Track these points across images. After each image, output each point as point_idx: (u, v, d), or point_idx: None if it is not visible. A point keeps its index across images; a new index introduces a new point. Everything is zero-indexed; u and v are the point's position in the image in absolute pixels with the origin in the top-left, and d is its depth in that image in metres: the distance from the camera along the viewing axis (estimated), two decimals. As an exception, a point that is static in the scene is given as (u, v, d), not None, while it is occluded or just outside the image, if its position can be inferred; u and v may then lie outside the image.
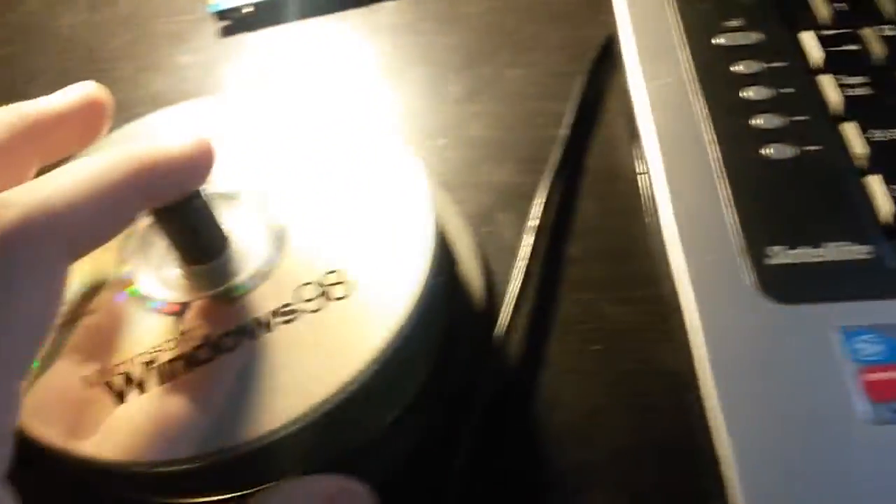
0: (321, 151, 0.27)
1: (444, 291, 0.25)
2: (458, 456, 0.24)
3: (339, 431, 0.22)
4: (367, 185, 0.25)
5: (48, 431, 0.20)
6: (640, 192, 0.31)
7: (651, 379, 0.26)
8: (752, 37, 0.30)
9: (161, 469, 0.20)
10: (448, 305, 0.26)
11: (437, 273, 0.23)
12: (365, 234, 0.24)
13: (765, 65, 0.29)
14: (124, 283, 0.24)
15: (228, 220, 0.24)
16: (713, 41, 0.30)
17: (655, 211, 0.26)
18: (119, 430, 0.20)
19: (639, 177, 0.31)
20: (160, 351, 0.22)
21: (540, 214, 0.30)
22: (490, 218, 0.32)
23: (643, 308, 0.28)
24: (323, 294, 0.22)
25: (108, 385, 0.21)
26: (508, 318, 0.27)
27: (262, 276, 0.23)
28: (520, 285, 0.28)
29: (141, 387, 0.21)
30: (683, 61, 0.30)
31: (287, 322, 0.22)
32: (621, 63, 0.33)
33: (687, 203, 0.26)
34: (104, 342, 0.22)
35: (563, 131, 0.34)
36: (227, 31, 0.41)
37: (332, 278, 0.23)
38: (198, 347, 0.22)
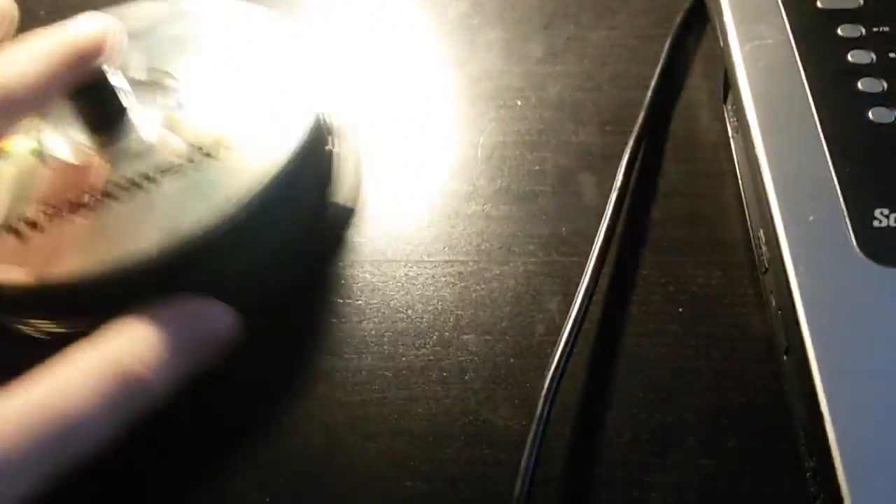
0: (233, 46, 0.30)
1: (312, 168, 0.29)
2: (542, 414, 0.24)
3: (205, 265, 0.25)
4: (264, 73, 0.29)
5: None
6: (732, 154, 0.30)
7: (736, 342, 0.26)
8: (856, 1, 0.29)
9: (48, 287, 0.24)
10: (315, 182, 0.30)
11: (306, 151, 0.27)
12: (249, 109, 0.28)
13: (869, 29, 0.28)
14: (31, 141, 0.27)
15: (132, 96, 0.28)
16: (817, 4, 0.29)
17: (756, 171, 0.25)
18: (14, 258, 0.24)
19: (731, 139, 0.30)
20: (54, 198, 0.26)
21: (623, 176, 0.30)
22: (572, 179, 0.31)
23: (727, 272, 0.27)
24: (205, 154, 0.26)
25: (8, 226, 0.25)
26: (591, 276, 0.27)
27: (154, 139, 0.27)
28: (601, 244, 0.28)
29: (34, 225, 0.25)
30: (784, 23, 0.29)
31: (170, 175, 0.26)
32: (711, 25, 0.32)
33: (790, 163, 0.25)
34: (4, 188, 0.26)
35: (649, 94, 0.33)
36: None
37: (213, 141, 0.27)
38: (88, 195, 0.25)
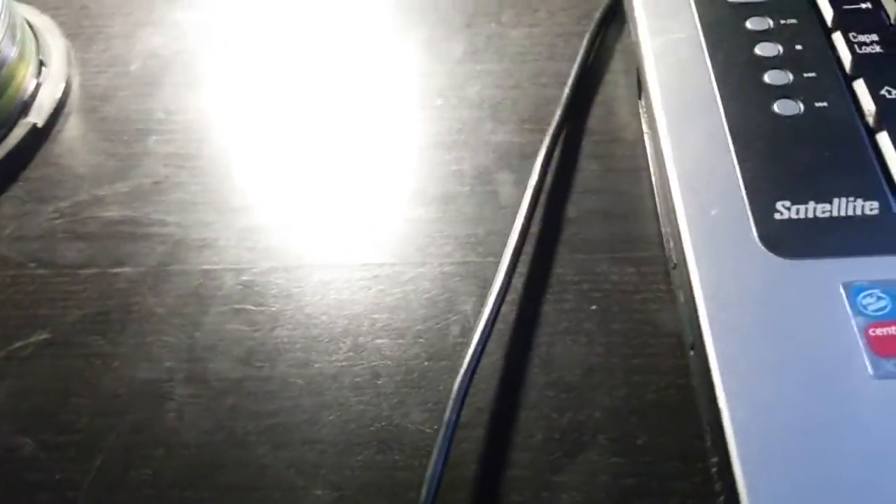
0: None
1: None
2: (450, 415, 0.23)
3: None
4: None
5: None
6: (646, 150, 0.30)
7: (647, 339, 0.26)
8: (763, -7, 0.29)
9: None
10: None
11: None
12: None
13: (777, 22, 0.28)
14: None
15: None
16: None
17: (661, 166, 0.25)
18: None
19: (645, 135, 0.30)
20: None
21: (539, 174, 0.30)
22: (489, 178, 0.31)
23: (642, 269, 0.27)
24: None
25: None
26: (504, 277, 0.26)
27: None
28: (516, 244, 0.27)
29: None
30: (694, 17, 0.29)
31: None
32: (628, 22, 0.32)
33: (694, 157, 0.25)
34: None
35: (566, 91, 0.33)
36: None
37: None
38: None
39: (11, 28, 0.35)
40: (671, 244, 0.25)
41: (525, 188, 0.29)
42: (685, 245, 0.23)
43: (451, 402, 0.23)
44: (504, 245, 0.28)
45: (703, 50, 0.28)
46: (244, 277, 0.29)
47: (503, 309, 0.26)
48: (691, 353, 0.23)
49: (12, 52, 0.35)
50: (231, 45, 0.37)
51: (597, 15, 0.36)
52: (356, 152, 0.32)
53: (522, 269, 0.28)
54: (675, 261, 0.25)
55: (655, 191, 0.29)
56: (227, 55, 0.37)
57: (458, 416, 0.23)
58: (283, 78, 0.36)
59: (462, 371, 0.24)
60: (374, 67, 0.36)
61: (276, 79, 0.36)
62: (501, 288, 0.26)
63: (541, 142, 0.31)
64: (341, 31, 0.38)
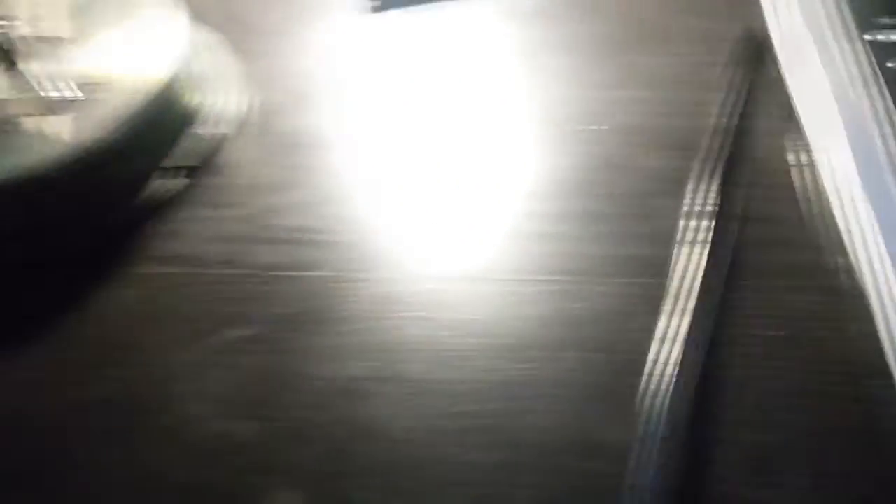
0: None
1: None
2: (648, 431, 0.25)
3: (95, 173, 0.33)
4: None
5: None
6: (798, 181, 0.32)
7: (831, 366, 0.28)
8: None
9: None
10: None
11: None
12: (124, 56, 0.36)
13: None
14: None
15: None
16: (867, 37, 0.31)
17: (821, 193, 0.27)
18: None
19: (795, 168, 0.33)
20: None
21: (700, 199, 0.32)
22: (645, 203, 0.33)
23: (816, 297, 0.29)
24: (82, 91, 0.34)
25: None
26: (688, 296, 0.29)
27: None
28: (692, 266, 0.30)
29: None
30: (840, 54, 0.31)
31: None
32: (771, 55, 0.34)
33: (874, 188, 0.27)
34: None
35: (717, 119, 0.35)
36: (375, 9, 0.43)
37: (90, 81, 0.35)
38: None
39: (194, 46, 0.37)
40: (843, 271, 0.27)
41: (683, 213, 0.32)
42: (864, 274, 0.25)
43: (649, 417, 0.26)
44: (668, 267, 0.30)
45: (855, 87, 0.30)
46: (428, 286, 0.31)
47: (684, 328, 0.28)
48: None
49: (193, 69, 0.37)
50: (388, 67, 0.40)
51: (734, 46, 0.38)
52: (517, 173, 0.35)
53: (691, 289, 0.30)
54: (851, 288, 0.27)
55: (815, 218, 0.31)
56: (382, 75, 0.40)
57: (659, 430, 0.25)
58: (435, 104, 0.38)
59: (661, 387, 0.26)
60: (522, 94, 0.38)
61: (429, 105, 0.38)
62: (690, 308, 0.28)
63: (692, 168, 0.33)
64: (485, 56, 0.40)
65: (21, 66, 0.36)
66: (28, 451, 0.28)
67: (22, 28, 0.37)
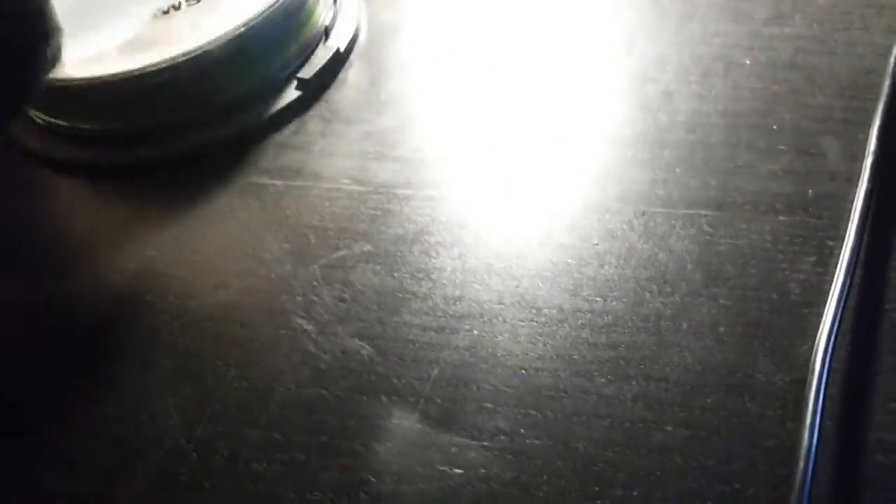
0: None
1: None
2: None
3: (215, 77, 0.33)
4: None
5: None
6: None
7: None
8: None
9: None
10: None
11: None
12: None
13: None
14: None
15: None
16: None
17: None
18: None
19: None
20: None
21: (876, 141, 0.29)
22: (814, 142, 0.30)
23: None
24: None
25: None
26: (853, 241, 0.26)
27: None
28: (861, 211, 0.27)
29: None
30: None
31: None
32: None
33: None
34: None
35: (892, 62, 0.31)
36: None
37: None
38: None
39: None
40: None
41: (855, 155, 0.28)
42: None
43: (817, 363, 0.23)
44: (837, 208, 0.27)
45: None
46: (558, 210, 0.29)
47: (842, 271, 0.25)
48: None
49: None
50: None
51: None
52: (673, 103, 0.32)
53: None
54: None
55: None
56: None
57: (826, 378, 0.23)
58: (558, 32, 0.36)
59: (825, 332, 0.23)
60: (676, 22, 0.35)
61: (552, 30, 0.36)
62: (853, 253, 0.25)
63: (864, 110, 0.30)
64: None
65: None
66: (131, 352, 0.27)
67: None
